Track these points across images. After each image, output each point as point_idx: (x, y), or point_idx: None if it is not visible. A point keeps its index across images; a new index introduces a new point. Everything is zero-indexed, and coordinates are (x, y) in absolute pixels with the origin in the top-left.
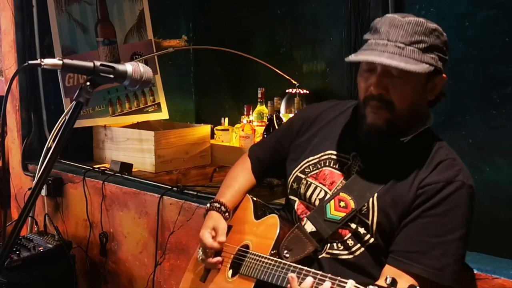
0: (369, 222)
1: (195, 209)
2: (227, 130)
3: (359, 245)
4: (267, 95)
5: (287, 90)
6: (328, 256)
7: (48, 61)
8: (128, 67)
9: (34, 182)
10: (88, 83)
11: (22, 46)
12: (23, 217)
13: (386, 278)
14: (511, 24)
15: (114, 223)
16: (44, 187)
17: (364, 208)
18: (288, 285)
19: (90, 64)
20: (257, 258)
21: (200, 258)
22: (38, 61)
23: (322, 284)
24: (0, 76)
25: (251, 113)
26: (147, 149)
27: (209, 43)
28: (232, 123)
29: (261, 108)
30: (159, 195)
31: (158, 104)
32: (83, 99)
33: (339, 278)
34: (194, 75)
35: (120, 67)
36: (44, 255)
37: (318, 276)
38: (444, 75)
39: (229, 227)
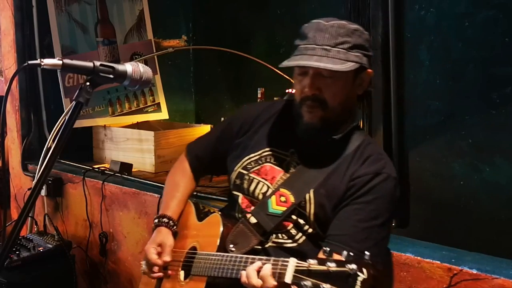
0: (307, 214)
1: None
2: None
3: (300, 234)
4: (267, 95)
5: (287, 90)
6: (274, 245)
7: (48, 61)
8: (128, 67)
9: (34, 182)
10: (88, 83)
11: (22, 46)
12: (23, 217)
13: (324, 250)
14: (511, 24)
15: (114, 223)
16: (44, 187)
17: (302, 202)
18: (239, 276)
19: (90, 64)
20: (205, 256)
21: (143, 271)
22: (38, 61)
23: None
24: (0, 76)
25: None
26: (147, 149)
27: (209, 43)
28: None
29: None
30: (159, 195)
31: (158, 104)
32: (83, 99)
33: (281, 258)
34: (194, 75)
35: (120, 67)
36: (44, 255)
37: (263, 261)
38: (369, 70)
39: (175, 233)
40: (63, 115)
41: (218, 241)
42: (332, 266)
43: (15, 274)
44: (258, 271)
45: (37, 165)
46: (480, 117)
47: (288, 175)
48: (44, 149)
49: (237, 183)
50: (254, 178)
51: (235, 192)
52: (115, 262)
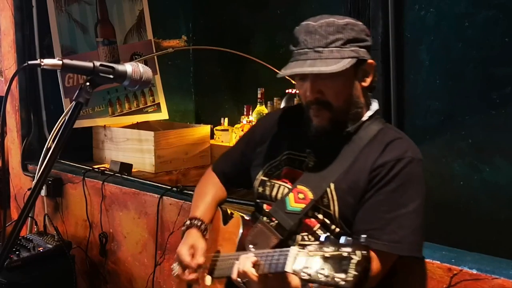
0: (332, 212)
1: None
2: (227, 130)
3: (328, 233)
4: (267, 95)
5: (286, 91)
6: (301, 247)
7: (47, 61)
8: (128, 67)
9: (33, 182)
10: (87, 83)
11: (21, 46)
12: (22, 217)
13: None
14: (510, 24)
15: (114, 223)
16: (44, 187)
17: (325, 199)
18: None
19: (90, 64)
20: (225, 258)
21: (175, 274)
22: (37, 61)
23: (271, 258)
24: (0, 76)
25: (250, 113)
26: (146, 149)
27: (209, 44)
28: (231, 123)
29: (260, 108)
30: (159, 195)
31: (158, 105)
32: (82, 99)
33: (284, 248)
34: (193, 75)
35: (119, 67)
36: (43, 255)
37: (270, 253)
38: (370, 60)
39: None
40: (63, 115)
41: (237, 241)
42: (328, 250)
43: (15, 274)
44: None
45: (37, 165)
46: (480, 117)
47: (305, 173)
48: (44, 149)
49: (260, 191)
50: (275, 183)
51: (259, 201)
52: (115, 262)
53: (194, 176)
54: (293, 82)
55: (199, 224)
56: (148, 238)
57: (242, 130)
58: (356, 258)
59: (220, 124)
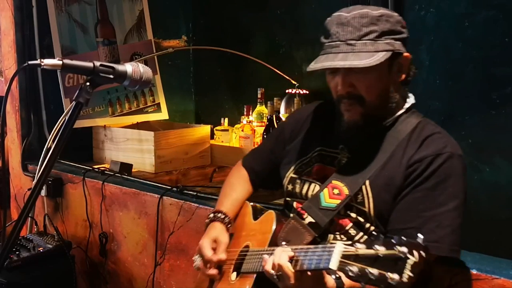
0: (366, 210)
1: (195, 210)
2: (227, 130)
3: (361, 233)
4: (267, 95)
5: (286, 91)
6: None
7: (48, 61)
8: (128, 67)
9: (33, 182)
10: (88, 84)
11: (22, 46)
12: (22, 218)
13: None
14: (510, 24)
15: (114, 223)
16: (44, 187)
17: (359, 196)
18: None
19: (90, 64)
20: (256, 253)
21: (196, 266)
22: (38, 62)
23: (312, 252)
24: (0, 76)
25: (250, 113)
26: (146, 150)
27: (209, 44)
28: (231, 123)
29: (261, 108)
30: (159, 196)
31: (158, 105)
32: (82, 99)
33: (328, 245)
34: (193, 75)
35: (120, 67)
36: (43, 255)
37: (311, 249)
38: (406, 53)
39: (231, 235)
40: (63, 115)
41: (270, 237)
42: (380, 249)
43: (15, 274)
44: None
45: (37, 165)
46: (480, 117)
47: (339, 168)
48: (44, 149)
49: (289, 188)
50: (306, 180)
51: (288, 199)
52: (115, 262)
53: (194, 176)
54: (293, 82)
55: (223, 217)
56: (148, 238)
57: (242, 130)
58: (413, 259)
59: (220, 124)
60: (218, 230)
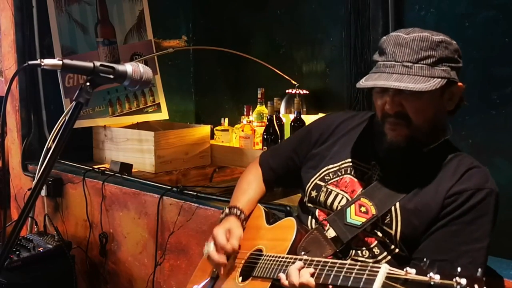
0: (393, 232)
1: (195, 210)
2: (227, 130)
3: (385, 253)
4: (267, 95)
5: (287, 91)
6: (353, 262)
7: (48, 61)
8: (128, 67)
9: (34, 182)
10: (88, 84)
11: (22, 46)
12: (23, 218)
13: (424, 261)
14: (510, 24)
15: (114, 223)
16: (44, 187)
17: (387, 217)
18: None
19: (90, 64)
20: (274, 258)
21: (206, 253)
22: (38, 62)
23: (354, 268)
24: (0, 76)
25: (251, 113)
26: (147, 150)
27: (209, 44)
28: (232, 123)
29: (261, 108)
30: (159, 196)
31: (158, 105)
32: (83, 99)
33: (371, 264)
34: (193, 75)
35: (120, 67)
36: (44, 255)
37: (350, 264)
38: (460, 83)
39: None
40: (63, 115)
41: (290, 245)
42: (435, 278)
43: (15, 274)
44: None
45: (37, 165)
46: (480, 117)
47: (369, 186)
48: (44, 149)
49: (313, 195)
50: (332, 190)
51: (310, 205)
52: (115, 262)
53: (194, 176)
54: (293, 82)
55: (239, 213)
56: (148, 238)
57: (242, 130)
58: None
59: (220, 124)
60: (232, 223)
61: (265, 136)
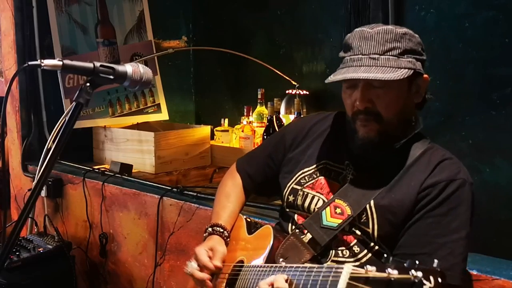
0: (370, 231)
1: (195, 210)
2: (227, 131)
3: (365, 251)
4: (267, 96)
5: (287, 91)
6: (334, 264)
7: (48, 62)
8: (128, 68)
9: (34, 183)
10: (88, 84)
11: (22, 46)
12: (23, 218)
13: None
14: (510, 25)
15: (114, 224)
16: (44, 188)
17: (363, 216)
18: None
19: (90, 65)
20: (252, 269)
21: (189, 271)
22: (38, 62)
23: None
24: (0, 77)
25: (251, 114)
26: (147, 150)
27: (209, 44)
28: (232, 124)
29: (261, 109)
30: (159, 196)
31: (158, 105)
32: (83, 100)
33: (335, 265)
34: (194, 76)
35: (120, 68)
36: (43, 256)
37: (315, 268)
38: (425, 75)
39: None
40: (63, 116)
41: (267, 252)
42: (393, 273)
43: (15, 275)
44: (271, 285)
45: (37, 166)
46: (480, 117)
47: (343, 187)
48: (44, 149)
49: (290, 199)
50: (308, 192)
51: (289, 210)
52: (115, 263)
53: (194, 176)
54: (293, 82)
55: (221, 231)
56: (148, 239)
57: (242, 131)
58: (428, 284)
59: (220, 124)
60: (216, 241)
61: (265, 137)
